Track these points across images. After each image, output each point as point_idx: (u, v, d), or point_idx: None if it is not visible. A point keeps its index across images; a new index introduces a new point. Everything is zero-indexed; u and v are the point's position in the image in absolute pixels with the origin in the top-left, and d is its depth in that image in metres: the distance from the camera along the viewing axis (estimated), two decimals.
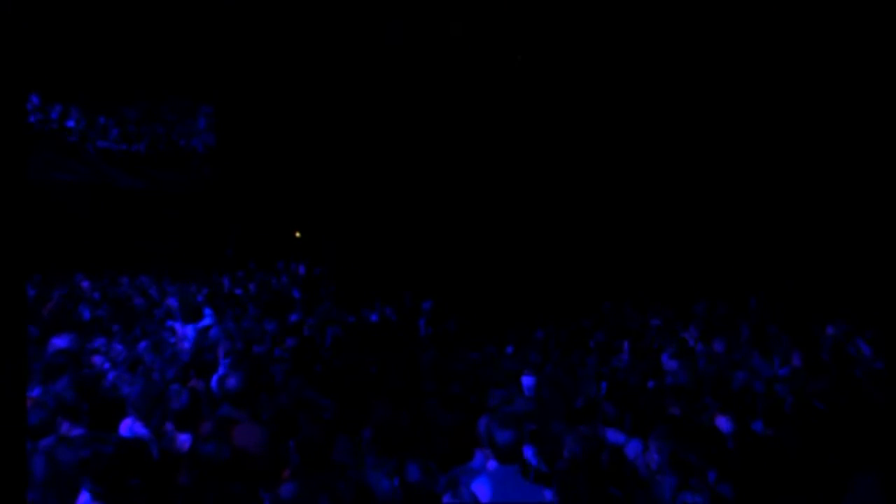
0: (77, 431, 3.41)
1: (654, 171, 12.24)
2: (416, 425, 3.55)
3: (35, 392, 3.93)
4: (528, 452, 2.89)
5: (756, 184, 11.06)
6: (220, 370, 4.66)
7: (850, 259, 9.59)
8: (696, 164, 11.61)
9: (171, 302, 7.93)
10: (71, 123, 12.81)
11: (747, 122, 10.98)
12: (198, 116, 14.58)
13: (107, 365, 4.77)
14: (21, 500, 1.75)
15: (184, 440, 3.51)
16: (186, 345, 6.06)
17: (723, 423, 3.98)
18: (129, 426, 3.72)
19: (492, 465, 2.63)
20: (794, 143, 10.58)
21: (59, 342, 4.83)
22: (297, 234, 15.46)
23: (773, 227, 10.88)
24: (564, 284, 11.57)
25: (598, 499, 2.65)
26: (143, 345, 5.27)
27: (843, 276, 9.25)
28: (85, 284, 9.22)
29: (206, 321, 7.04)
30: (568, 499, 2.57)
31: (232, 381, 3.65)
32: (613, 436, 3.51)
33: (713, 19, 10.02)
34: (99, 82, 12.91)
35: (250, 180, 14.43)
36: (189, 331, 6.54)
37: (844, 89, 9.72)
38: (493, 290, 11.32)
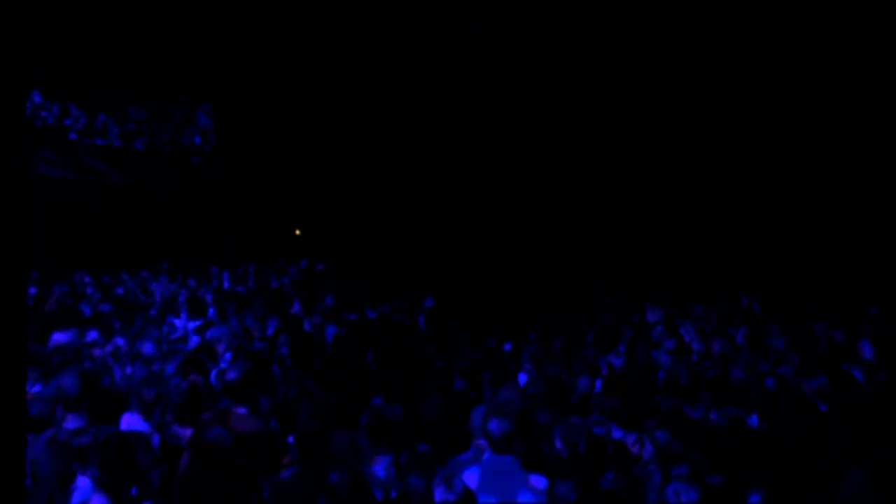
0: (78, 424, 3.46)
1: (652, 170, 12.25)
2: (411, 418, 3.60)
3: (36, 388, 3.98)
4: (521, 443, 2.94)
5: (751, 183, 11.09)
6: (221, 365, 4.71)
7: (846, 257, 9.62)
8: (694, 165, 11.62)
9: (175, 298, 7.98)
10: (70, 121, 12.86)
11: (744, 123, 11.00)
12: (198, 113, 14.62)
13: (108, 360, 4.83)
14: (21, 490, 1.79)
15: (184, 433, 3.55)
16: (187, 340, 6.11)
17: (717, 417, 4.03)
18: (129, 420, 3.77)
19: (486, 455, 2.68)
20: (790, 145, 10.61)
21: (60, 338, 4.88)
22: (298, 232, 15.51)
23: (768, 225, 10.91)
24: (563, 283, 11.61)
25: (590, 490, 2.69)
26: (143, 340, 5.32)
27: (841, 274, 9.29)
28: (86, 280, 9.28)
29: (207, 317, 7.09)
30: (559, 489, 2.61)
31: (231, 375, 3.69)
32: (605, 429, 3.56)
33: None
34: (99, 80, 12.96)
35: (251, 177, 14.48)
36: (190, 327, 6.60)
37: (840, 91, 9.73)
38: (493, 288, 11.35)
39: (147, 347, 4.80)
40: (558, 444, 2.83)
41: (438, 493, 2.52)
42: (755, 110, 10.83)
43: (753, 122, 10.96)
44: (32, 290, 8.04)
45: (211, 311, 7.51)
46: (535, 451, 2.90)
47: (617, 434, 3.66)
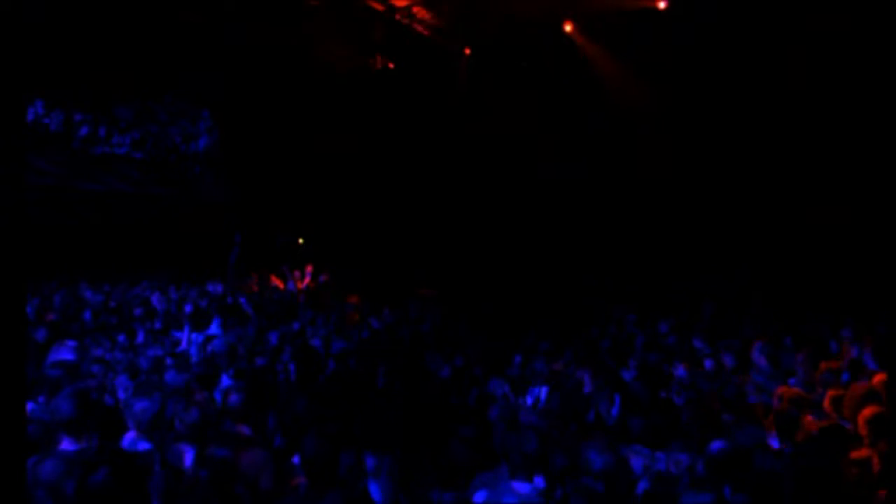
0: (78, 445, 3.32)
1: (657, 174, 12.13)
2: (423, 440, 3.47)
3: (35, 404, 3.85)
4: (545, 468, 2.80)
5: (754, 187, 10.98)
6: (224, 382, 4.58)
7: (848, 263, 9.51)
8: (697, 168, 11.52)
9: (176, 310, 7.87)
10: (72, 130, 12.80)
11: (747, 127, 10.91)
12: (199, 120, 14.58)
13: (108, 375, 4.69)
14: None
15: (188, 454, 3.42)
16: (190, 354, 5.98)
17: (738, 437, 3.89)
18: (131, 439, 3.63)
19: (511, 483, 2.54)
20: (792, 146, 10.52)
21: (61, 351, 4.76)
22: (301, 241, 15.41)
23: (776, 227, 10.78)
24: (570, 293, 11.49)
25: None
26: (146, 355, 5.19)
27: (844, 280, 9.17)
28: (87, 292, 9.17)
29: (210, 330, 6.97)
30: None
31: (235, 398, 3.58)
32: (630, 450, 3.42)
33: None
34: (102, 87, 12.91)
35: (252, 185, 14.41)
36: (192, 340, 6.47)
37: (842, 97, 9.66)
38: (500, 298, 11.23)
39: (149, 363, 4.67)
40: (591, 471, 2.68)
41: None
42: (755, 111, 10.75)
43: (756, 125, 10.88)
44: (34, 301, 7.93)
45: (215, 323, 7.38)
46: (559, 478, 2.77)
47: (637, 453, 3.51)
